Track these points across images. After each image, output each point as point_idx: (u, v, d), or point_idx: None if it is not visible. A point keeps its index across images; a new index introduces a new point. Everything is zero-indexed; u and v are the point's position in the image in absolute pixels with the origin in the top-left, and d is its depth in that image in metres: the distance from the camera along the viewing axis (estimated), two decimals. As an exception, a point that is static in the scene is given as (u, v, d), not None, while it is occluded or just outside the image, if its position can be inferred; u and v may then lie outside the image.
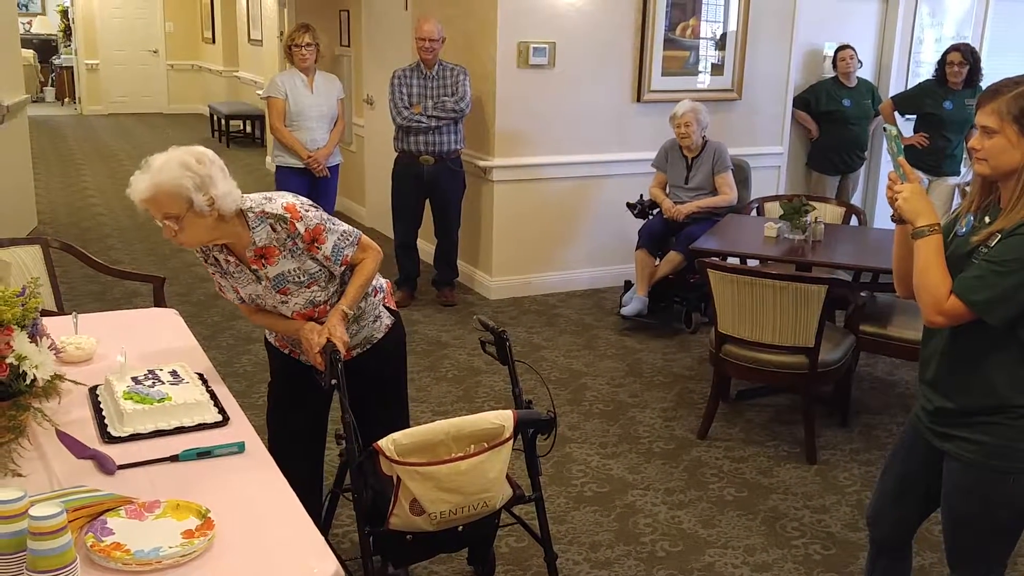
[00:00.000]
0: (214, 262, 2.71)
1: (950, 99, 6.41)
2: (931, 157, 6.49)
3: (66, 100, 17.42)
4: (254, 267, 2.65)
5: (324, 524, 2.99)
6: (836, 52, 6.97)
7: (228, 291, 2.77)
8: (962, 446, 2.26)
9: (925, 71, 7.22)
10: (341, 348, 2.62)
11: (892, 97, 6.84)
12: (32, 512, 1.62)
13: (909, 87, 7.18)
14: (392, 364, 3.04)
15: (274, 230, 2.60)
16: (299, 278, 2.67)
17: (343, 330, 2.68)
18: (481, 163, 6.15)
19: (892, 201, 2.23)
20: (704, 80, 6.63)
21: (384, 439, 2.38)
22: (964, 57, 6.29)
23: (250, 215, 2.59)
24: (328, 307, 2.75)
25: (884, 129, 2.33)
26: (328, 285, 2.74)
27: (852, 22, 7.39)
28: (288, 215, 2.60)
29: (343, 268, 2.73)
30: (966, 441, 2.25)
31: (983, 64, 6.51)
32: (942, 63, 6.42)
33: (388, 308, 2.99)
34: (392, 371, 3.05)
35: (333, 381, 2.56)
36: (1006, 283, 2.08)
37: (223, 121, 13.24)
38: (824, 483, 3.92)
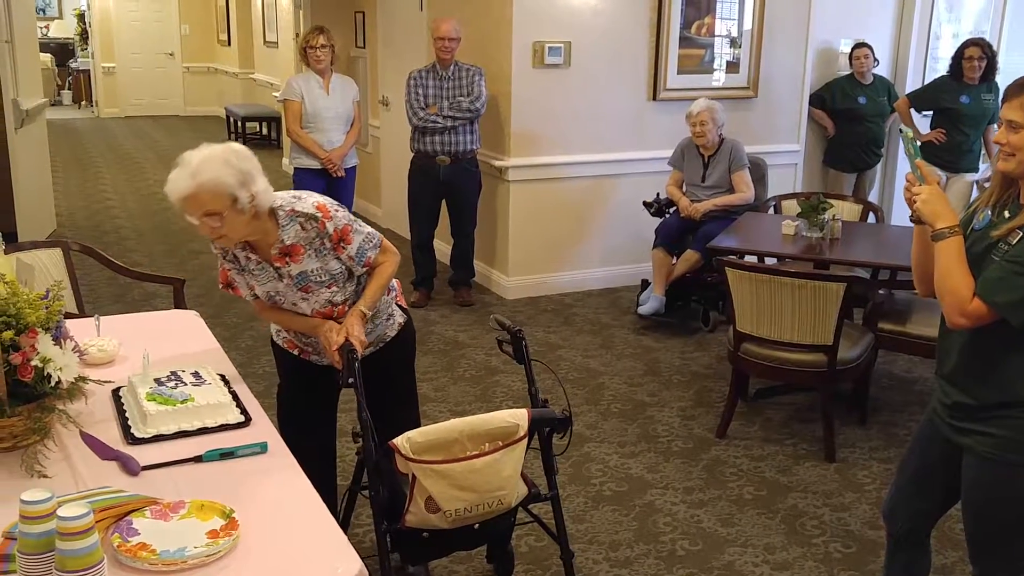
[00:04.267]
0: (232, 259, 2.73)
1: (967, 93, 6.36)
2: (948, 153, 6.45)
3: (83, 103, 17.53)
4: (277, 265, 2.67)
5: (343, 523, 3.01)
6: (852, 50, 6.94)
7: (241, 287, 2.78)
8: (980, 440, 2.26)
9: (943, 67, 7.15)
10: (358, 347, 2.64)
11: (908, 94, 6.80)
12: (60, 512, 1.64)
13: (926, 83, 7.13)
14: (404, 361, 3.07)
15: (303, 228, 2.64)
16: (320, 277, 2.70)
17: (361, 329, 2.70)
18: (497, 163, 6.16)
19: (911, 203, 2.22)
20: (720, 78, 6.62)
21: (399, 437, 2.40)
22: (983, 51, 6.25)
23: (280, 213, 2.62)
24: (346, 307, 2.77)
25: (900, 131, 2.32)
26: (346, 286, 2.76)
27: (868, 18, 7.36)
28: (319, 214, 2.64)
29: (364, 270, 2.76)
30: (983, 435, 2.25)
31: (1001, 61, 6.47)
32: (958, 57, 6.36)
33: (400, 306, 3.03)
34: (404, 368, 3.08)
35: (350, 380, 2.57)
36: None
37: (239, 123, 13.29)
38: (843, 481, 3.91)
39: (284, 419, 3.07)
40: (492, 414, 2.53)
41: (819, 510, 3.68)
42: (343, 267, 2.73)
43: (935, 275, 2.20)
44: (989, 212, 2.26)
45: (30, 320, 2.20)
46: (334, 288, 2.73)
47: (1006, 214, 2.21)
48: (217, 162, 2.43)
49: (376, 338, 2.91)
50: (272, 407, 3.13)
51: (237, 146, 2.53)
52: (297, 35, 9.60)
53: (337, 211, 2.68)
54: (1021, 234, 2.11)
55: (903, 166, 7.58)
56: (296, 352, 2.96)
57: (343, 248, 2.68)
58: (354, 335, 2.66)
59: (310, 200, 2.66)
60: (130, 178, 10.78)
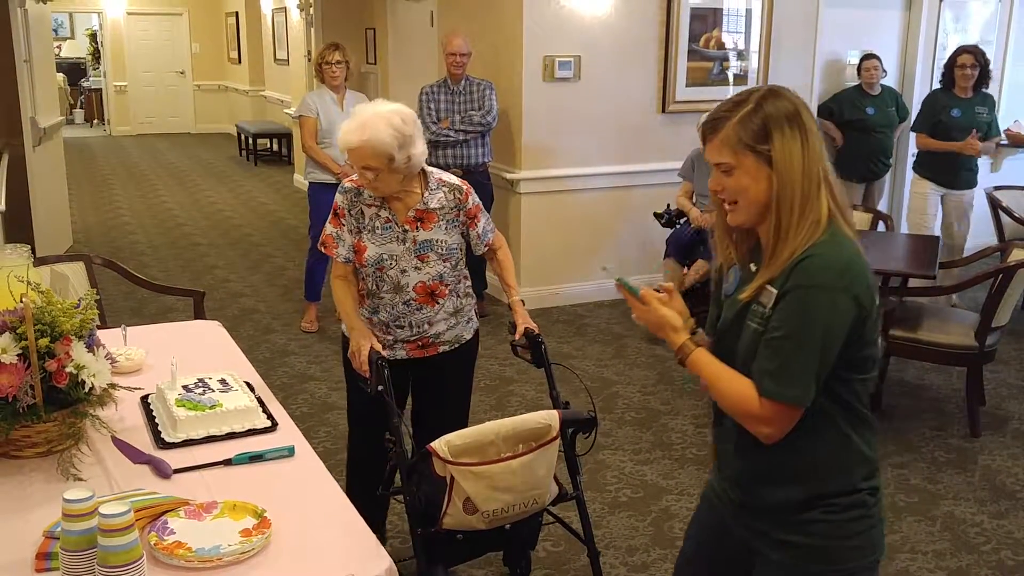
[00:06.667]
0: (358, 214, 2.83)
1: (958, 106, 6.12)
2: (944, 173, 6.24)
3: (95, 121, 17.71)
4: (407, 227, 2.80)
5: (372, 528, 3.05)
6: (861, 61, 6.98)
7: (342, 246, 2.86)
8: (777, 547, 1.86)
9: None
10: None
11: (913, 128, 6.51)
12: (101, 510, 1.69)
13: (921, 106, 6.90)
14: (470, 366, 3.15)
15: (447, 197, 2.84)
16: (441, 250, 2.85)
17: (526, 316, 2.91)
18: (508, 175, 6.23)
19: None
20: (728, 90, 6.68)
21: (437, 441, 2.45)
22: (976, 59, 6.02)
23: (431, 178, 2.86)
24: (448, 290, 2.89)
25: (617, 280, 2.02)
26: (454, 269, 2.91)
27: (875, 30, 7.42)
28: (464, 187, 2.92)
29: (485, 249, 3.00)
30: (781, 543, 1.86)
31: (1007, 71, 6.42)
32: (950, 66, 6.12)
33: (477, 313, 3.13)
34: (469, 373, 3.16)
35: (380, 387, 2.62)
36: (810, 354, 1.71)
37: (250, 140, 13.41)
38: (857, 486, 3.94)
39: (354, 430, 3.12)
40: (525, 416, 2.58)
41: (833, 515, 3.71)
42: (459, 248, 2.92)
43: (712, 393, 1.86)
44: (737, 272, 1.93)
45: (65, 328, 2.26)
46: (448, 264, 2.88)
47: (752, 267, 1.88)
48: (383, 123, 2.66)
49: (454, 337, 2.99)
50: (295, 416, 3.17)
51: (405, 109, 2.74)
52: (309, 53, 9.71)
53: (472, 192, 2.94)
54: (775, 293, 1.75)
55: (912, 175, 7.59)
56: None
57: (475, 224, 2.95)
58: (527, 323, 2.89)
59: (453, 176, 2.95)
60: (143, 195, 10.88)
